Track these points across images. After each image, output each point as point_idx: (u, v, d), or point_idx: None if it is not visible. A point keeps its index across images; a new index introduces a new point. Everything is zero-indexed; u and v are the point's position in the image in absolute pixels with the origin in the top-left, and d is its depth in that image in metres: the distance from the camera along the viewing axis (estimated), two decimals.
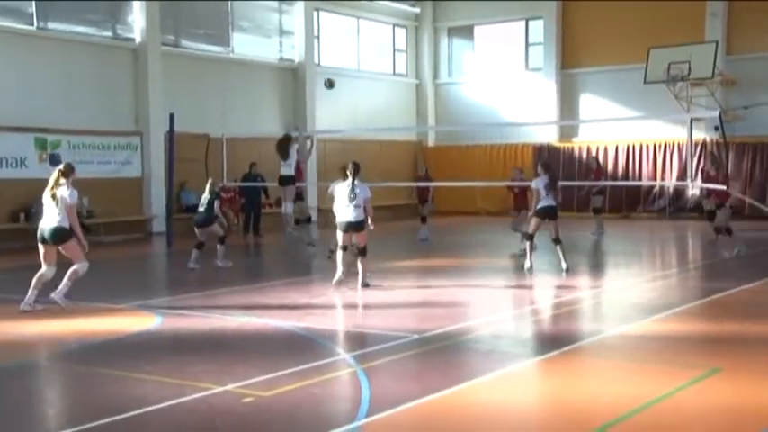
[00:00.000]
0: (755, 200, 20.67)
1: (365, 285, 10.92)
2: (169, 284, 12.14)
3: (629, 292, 10.91)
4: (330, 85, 17.05)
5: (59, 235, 9.42)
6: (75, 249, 9.58)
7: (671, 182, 22.75)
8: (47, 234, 9.43)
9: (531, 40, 26.10)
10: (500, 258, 14.42)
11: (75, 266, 9.56)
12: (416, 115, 27.39)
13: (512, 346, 7.87)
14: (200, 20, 21.34)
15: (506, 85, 26.11)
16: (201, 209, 13.37)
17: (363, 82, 25.57)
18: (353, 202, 10.84)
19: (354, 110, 24.91)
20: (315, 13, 23.93)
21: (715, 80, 21.64)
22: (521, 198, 15.25)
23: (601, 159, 24.08)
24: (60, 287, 9.54)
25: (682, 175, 22.03)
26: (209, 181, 13.80)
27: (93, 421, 5.48)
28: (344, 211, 10.96)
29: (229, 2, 21.98)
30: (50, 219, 9.45)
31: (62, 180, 9.52)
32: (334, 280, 11.07)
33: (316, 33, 24.01)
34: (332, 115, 24.08)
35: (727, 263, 14.18)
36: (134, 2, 19.69)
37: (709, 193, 14.19)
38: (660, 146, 23.40)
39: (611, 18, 24.11)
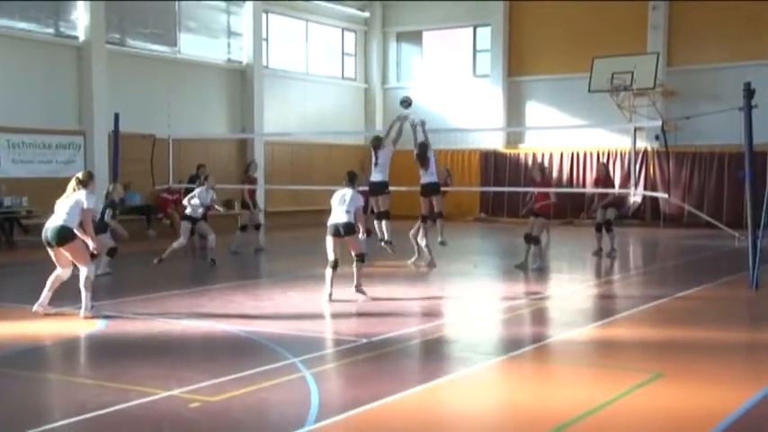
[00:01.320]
0: (694, 207, 21.19)
1: (361, 292, 10.57)
2: (112, 287, 11.90)
3: (575, 298, 11.08)
4: (406, 103, 15.38)
5: (62, 235, 8.96)
6: (78, 252, 9.07)
7: (614, 189, 23.13)
8: (49, 234, 9.03)
9: (478, 47, 26.34)
10: (450, 263, 14.49)
11: (84, 274, 9.08)
12: (365, 119, 27.42)
13: (461, 351, 7.91)
14: (146, 19, 21.01)
15: (454, 91, 26.31)
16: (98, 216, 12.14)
17: (312, 85, 25.49)
18: (344, 208, 10.50)
19: (303, 113, 24.83)
20: (263, 15, 23.78)
21: (656, 90, 22.15)
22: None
23: (546, 166, 24.44)
24: (84, 303, 9.08)
25: (624, 183, 22.48)
26: (108, 187, 13.01)
27: (31, 428, 5.33)
28: (333, 215, 10.63)
29: (176, 2, 21.68)
30: (56, 219, 9.07)
31: (79, 188, 9.23)
32: (324, 297, 10.52)
33: (264, 35, 23.86)
34: (280, 118, 23.96)
35: (666, 270, 14.50)
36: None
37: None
38: (604, 153, 23.83)
39: (557, 27, 24.50)
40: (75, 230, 9.06)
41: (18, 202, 17.63)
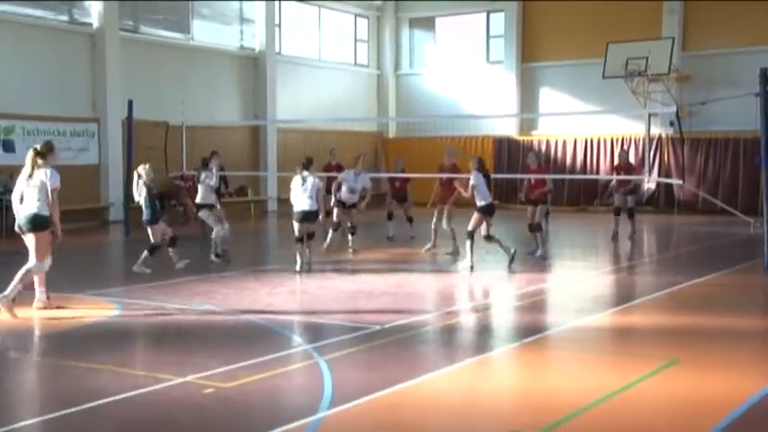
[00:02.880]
0: (709, 194, 21.06)
1: (308, 266, 11.64)
2: (127, 274, 11.96)
3: (589, 285, 11.05)
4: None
5: (35, 222, 8.63)
6: (44, 244, 8.71)
7: (632, 177, 23.02)
8: (23, 222, 8.69)
9: (492, 33, 26.20)
10: (461, 250, 14.46)
11: (29, 265, 8.64)
12: (377, 106, 27.36)
13: (473, 338, 7.92)
14: (159, 6, 21.02)
15: (467, 78, 26.20)
16: (145, 207, 11.91)
17: (325, 72, 25.45)
18: (307, 193, 11.57)
19: (315, 100, 24.80)
20: (276, 2, 23.73)
21: (671, 76, 21.97)
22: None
23: (559, 153, 24.35)
24: (9, 289, 8.55)
25: (639, 169, 22.33)
26: (137, 171, 12.22)
27: (48, 413, 5.39)
28: (298, 202, 11.67)
29: None
30: (29, 205, 8.68)
31: (39, 161, 8.68)
32: (297, 268, 11.60)
33: (277, 22, 23.82)
34: (293, 105, 23.94)
35: (680, 257, 14.44)
36: None
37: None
38: (617, 140, 23.69)
39: (571, 13, 24.31)
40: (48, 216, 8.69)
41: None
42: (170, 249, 11.99)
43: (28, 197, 8.72)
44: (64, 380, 6.27)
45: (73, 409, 5.47)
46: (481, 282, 11.44)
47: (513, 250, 12.16)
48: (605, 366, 6.77)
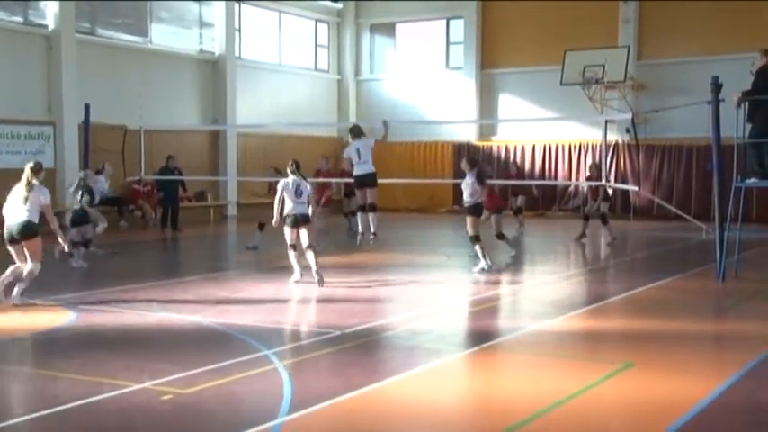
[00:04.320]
0: (663, 200, 21.44)
1: (320, 284, 10.87)
2: (84, 279, 11.80)
3: (546, 289, 11.18)
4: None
5: (27, 229, 9.30)
6: (37, 248, 9.40)
7: (585, 181, 23.36)
8: (15, 231, 9.28)
9: (451, 39, 26.39)
10: (420, 255, 14.56)
11: (30, 267, 9.34)
12: (338, 111, 27.36)
13: (433, 343, 7.96)
14: (117, 8, 20.79)
15: (427, 83, 26.34)
16: (76, 207, 12.69)
17: (285, 76, 25.39)
18: (299, 198, 11.21)
19: (276, 104, 24.72)
20: (236, 6, 23.63)
21: (627, 84, 22.35)
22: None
23: (519, 159, 24.61)
24: (16, 291, 9.35)
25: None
26: (79, 176, 13.11)
27: (2, 421, 5.29)
28: (292, 206, 11.18)
29: None
30: (18, 215, 9.30)
31: (34, 180, 9.46)
32: (292, 279, 11.15)
33: (237, 26, 23.71)
34: (253, 109, 23.84)
35: (635, 262, 14.69)
36: None
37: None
38: (575, 146, 24.02)
39: (530, 20, 24.61)
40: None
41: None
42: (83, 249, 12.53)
43: (18, 208, 9.33)
44: (19, 387, 6.17)
45: (28, 417, 5.39)
46: (440, 286, 11.50)
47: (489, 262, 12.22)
48: (562, 370, 6.86)
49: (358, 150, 12.93)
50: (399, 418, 5.58)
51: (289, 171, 11.39)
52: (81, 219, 12.68)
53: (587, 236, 16.80)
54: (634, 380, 6.44)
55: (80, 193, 12.69)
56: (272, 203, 11.62)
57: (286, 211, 11.24)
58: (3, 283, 9.44)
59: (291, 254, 11.28)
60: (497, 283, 11.68)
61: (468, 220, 12.26)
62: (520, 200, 19.16)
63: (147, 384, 6.11)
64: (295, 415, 5.47)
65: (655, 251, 16.03)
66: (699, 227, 18.07)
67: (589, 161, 23.63)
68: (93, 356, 7.37)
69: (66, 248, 10.54)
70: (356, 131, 13.31)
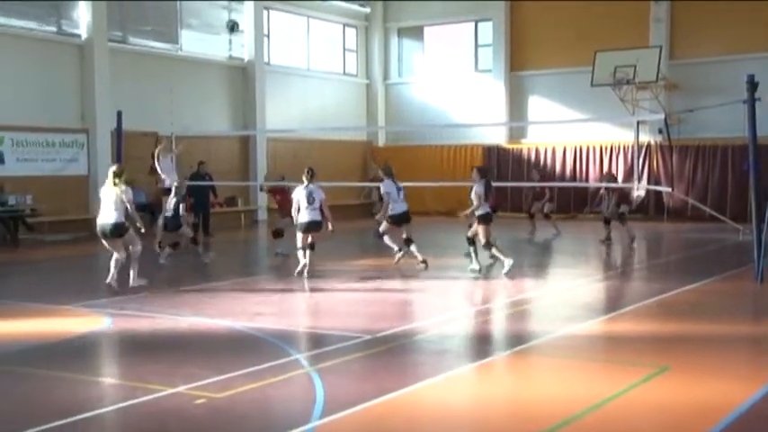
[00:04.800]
0: (698, 201, 21.15)
1: (305, 275, 11.80)
2: (117, 284, 11.91)
3: (579, 292, 11.07)
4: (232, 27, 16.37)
5: (118, 230, 10.75)
6: (129, 239, 10.89)
7: (617, 183, 23.13)
8: (107, 231, 10.72)
9: (480, 42, 26.31)
10: (451, 258, 14.50)
11: (133, 250, 10.90)
12: (366, 115, 27.39)
13: (464, 346, 7.92)
14: (147, 16, 21.02)
15: (456, 86, 26.28)
16: (168, 214, 13.42)
17: (313, 81, 25.48)
18: (313, 205, 11.78)
19: (304, 109, 24.82)
20: (264, 12, 23.77)
21: (659, 84, 22.10)
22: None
23: (549, 161, 24.46)
24: (132, 274, 10.86)
25: (627, 177, 22.44)
26: (175, 184, 13.78)
27: (38, 425, 5.34)
28: (304, 213, 11.81)
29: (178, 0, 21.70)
30: (108, 215, 10.70)
31: (116, 180, 10.72)
32: (297, 270, 11.91)
33: (265, 32, 23.85)
34: (282, 114, 23.95)
35: (670, 264, 14.50)
36: None
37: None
38: (606, 148, 23.81)
39: (559, 21, 24.44)
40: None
41: (22, 200, 17.67)
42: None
43: (107, 208, 10.73)
44: (54, 392, 6.23)
45: (63, 422, 5.43)
46: (472, 290, 11.44)
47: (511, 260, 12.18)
48: (596, 374, 6.78)
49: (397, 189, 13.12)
50: (430, 423, 5.55)
51: (304, 178, 11.91)
52: (175, 223, 13.36)
53: (611, 239, 16.64)
54: (670, 384, 6.34)
55: (174, 202, 13.37)
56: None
57: (299, 219, 11.83)
58: (113, 278, 10.72)
59: (300, 253, 11.93)
60: (528, 286, 11.59)
61: (480, 229, 12.24)
62: (546, 206, 18.91)
63: (181, 389, 6.14)
64: (327, 419, 5.46)
65: (690, 253, 15.81)
66: (735, 228, 17.79)
67: (621, 162, 23.47)
68: (127, 361, 7.44)
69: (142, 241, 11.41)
70: (388, 171, 13.31)
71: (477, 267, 12.41)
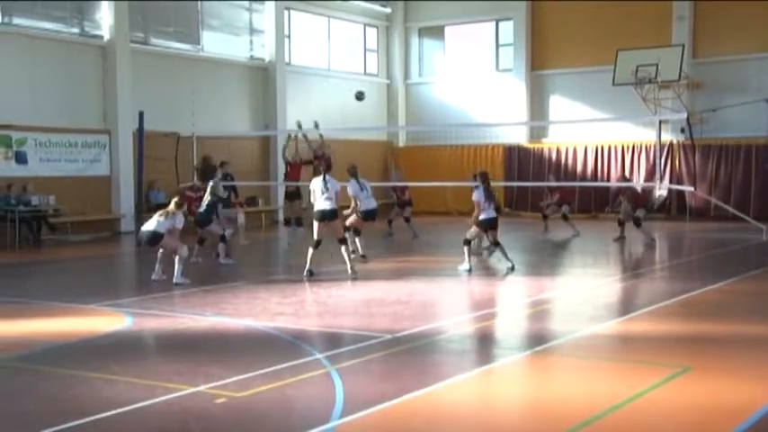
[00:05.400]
0: (721, 201, 20.97)
1: (354, 273, 11.98)
2: (139, 284, 12.01)
3: (600, 292, 11.00)
4: (360, 96, 17.54)
5: (155, 238, 11.58)
6: (169, 243, 11.59)
7: (639, 183, 22.99)
8: (144, 238, 11.72)
9: (501, 41, 26.24)
10: (473, 259, 14.43)
11: (179, 253, 11.55)
12: (387, 115, 27.40)
13: (485, 346, 7.89)
14: (169, 18, 21.16)
15: (477, 86, 26.22)
16: (202, 209, 13.72)
17: (334, 81, 25.52)
18: (326, 194, 11.98)
19: (325, 109, 24.84)
20: (285, 12, 23.85)
21: (681, 83, 21.93)
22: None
23: (570, 160, 24.35)
24: (176, 271, 11.45)
25: (649, 176, 22.29)
26: (211, 184, 13.87)
27: (61, 424, 5.39)
28: (319, 201, 12.02)
29: (199, 0, 21.81)
30: (150, 224, 11.70)
31: (175, 209, 11.75)
32: (305, 271, 12.00)
33: (286, 32, 23.92)
34: (302, 115, 23.92)
35: (693, 264, 14.38)
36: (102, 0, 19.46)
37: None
38: (628, 147, 23.66)
39: (581, 20, 24.33)
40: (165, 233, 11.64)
41: (45, 200, 17.85)
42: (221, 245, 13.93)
43: (153, 220, 11.77)
44: (76, 390, 6.28)
45: (85, 420, 5.48)
46: (492, 289, 11.42)
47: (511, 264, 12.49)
48: (617, 374, 6.73)
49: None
50: (451, 423, 5.53)
51: (321, 169, 12.50)
52: (203, 220, 13.73)
53: (625, 237, 16.70)
54: (692, 384, 6.29)
55: (208, 200, 13.76)
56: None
57: (315, 207, 12.05)
58: (158, 273, 11.70)
59: (311, 251, 12.01)
60: (549, 286, 11.55)
61: (473, 228, 12.65)
62: (564, 208, 18.75)
63: (202, 388, 6.17)
64: (347, 419, 5.47)
65: (712, 253, 15.67)
66: (758, 227, 17.60)
67: (643, 161, 23.31)
68: (149, 360, 7.49)
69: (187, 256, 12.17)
70: (353, 172, 13.63)
71: (510, 265, 12.55)
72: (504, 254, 12.63)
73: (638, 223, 16.42)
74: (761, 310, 9.76)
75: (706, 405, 5.78)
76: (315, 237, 12.13)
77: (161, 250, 11.81)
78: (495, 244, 12.80)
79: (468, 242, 12.67)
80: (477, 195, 12.48)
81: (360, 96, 17.55)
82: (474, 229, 12.71)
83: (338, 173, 13.84)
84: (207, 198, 13.75)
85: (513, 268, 12.46)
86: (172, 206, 11.87)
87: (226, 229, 14.20)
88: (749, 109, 16.41)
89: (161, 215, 11.74)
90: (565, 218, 18.74)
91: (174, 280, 11.42)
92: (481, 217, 12.47)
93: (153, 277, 11.74)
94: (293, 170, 17.22)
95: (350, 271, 12.00)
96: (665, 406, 5.79)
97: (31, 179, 17.88)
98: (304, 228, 15.28)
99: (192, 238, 13.69)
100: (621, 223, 16.80)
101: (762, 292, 10.90)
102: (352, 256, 12.84)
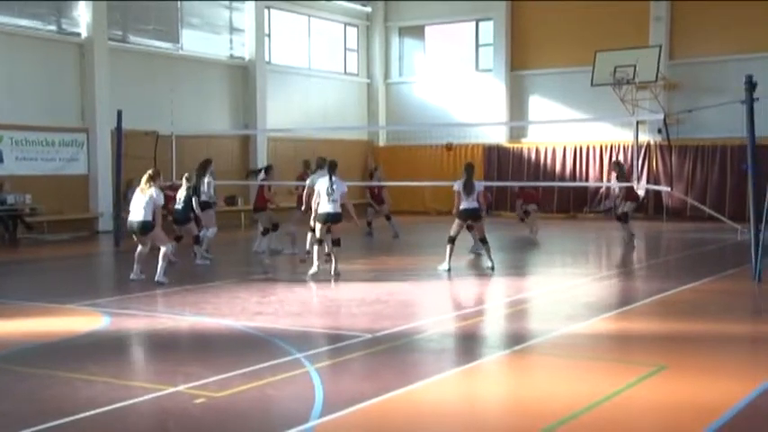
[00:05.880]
0: (697, 201, 21.18)
1: (337, 275, 11.80)
2: (117, 284, 11.95)
3: (578, 291, 11.09)
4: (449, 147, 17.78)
5: (146, 228, 11.37)
6: (159, 237, 11.45)
7: (616, 183, 23.16)
8: (135, 228, 11.44)
9: (481, 41, 26.34)
10: (455, 259, 14.50)
11: (162, 250, 11.37)
12: (367, 114, 27.42)
13: (464, 345, 7.94)
14: (148, 16, 21.04)
15: (457, 86, 26.31)
16: (179, 206, 13.51)
17: (315, 80, 25.51)
18: (332, 196, 11.78)
19: (306, 109, 24.85)
20: (266, 11, 23.79)
21: (659, 84, 22.13)
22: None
23: (549, 160, 24.50)
24: (159, 270, 11.26)
25: (628, 176, 22.43)
26: (185, 176, 13.72)
27: (38, 425, 5.36)
28: (324, 204, 11.84)
29: None
30: (137, 214, 11.37)
31: (150, 183, 11.34)
32: (310, 273, 11.87)
33: (266, 31, 23.87)
34: (283, 114, 23.98)
35: (669, 263, 14.53)
36: None
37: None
38: (606, 147, 23.84)
39: (560, 20, 24.48)
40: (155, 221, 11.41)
41: (21, 199, 17.70)
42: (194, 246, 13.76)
43: (136, 207, 11.37)
44: (54, 391, 6.25)
45: (63, 421, 5.45)
46: (472, 289, 11.47)
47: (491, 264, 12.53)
48: (595, 373, 6.80)
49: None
50: (430, 422, 5.57)
51: (326, 170, 12.06)
52: (183, 218, 13.49)
53: (635, 234, 16.55)
54: (667, 383, 6.37)
55: (185, 196, 13.52)
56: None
57: (319, 210, 11.83)
58: (137, 273, 11.52)
59: (316, 248, 11.92)
60: (528, 285, 11.62)
61: (455, 223, 12.66)
62: (531, 207, 18.41)
63: (181, 388, 6.16)
64: (327, 418, 5.49)
65: (688, 252, 15.83)
66: (733, 228, 17.81)
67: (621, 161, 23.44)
68: (127, 360, 7.46)
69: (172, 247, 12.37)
70: (320, 164, 13.76)
71: (489, 265, 12.57)
72: (488, 253, 12.64)
73: (626, 218, 16.32)
74: (735, 309, 9.89)
75: (682, 403, 5.85)
76: (317, 236, 12.02)
77: (139, 248, 11.61)
78: (483, 241, 12.75)
79: (452, 240, 12.61)
80: (456, 186, 12.54)
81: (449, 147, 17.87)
82: (455, 223, 12.63)
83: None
84: (182, 193, 13.50)
85: (492, 268, 12.51)
86: (144, 183, 11.46)
87: (210, 229, 14.06)
88: (725, 110, 16.57)
89: (139, 195, 11.42)
90: (522, 218, 18.40)
91: (157, 278, 11.30)
92: (461, 207, 12.47)
93: (132, 277, 11.62)
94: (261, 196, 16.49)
95: (333, 272, 11.91)
96: (641, 404, 5.86)
97: (7, 178, 17.73)
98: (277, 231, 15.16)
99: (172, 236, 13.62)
100: (621, 219, 16.63)
101: (736, 291, 11.04)
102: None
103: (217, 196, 15.01)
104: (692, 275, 12.03)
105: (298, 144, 23.87)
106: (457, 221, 12.69)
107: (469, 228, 13.27)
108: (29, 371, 6.92)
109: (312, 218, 12.33)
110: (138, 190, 11.58)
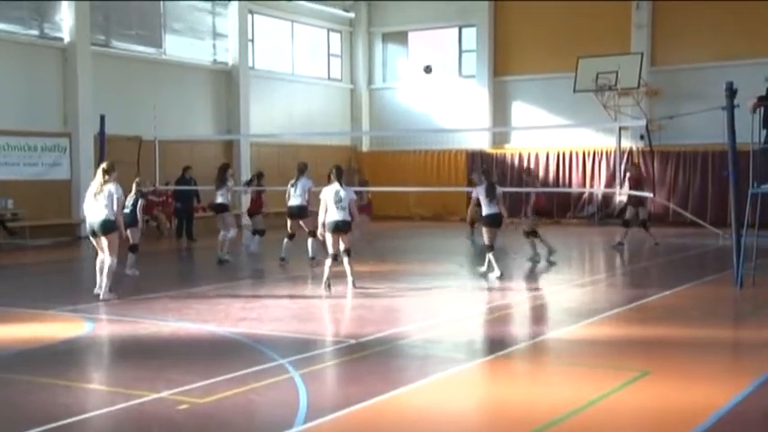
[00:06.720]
0: (679, 206, 21.32)
1: (354, 284, 11.31)
2: (108, 292, 11.84)
3: (562, 297, 11.14)
4: (428, 70, 18.06)
5: (107, 226, 10.39)
6: (113, 244, 10.48)
7: (599, 189, 23.32)
8: (96, 227, 10.41)
9: (464, 48, 26.42)
10: (435, 263, 14.54)
11: (108, 262, 10.39)
12: (351, 120, 27.42)
13: (448, 351, 7.94)
14: (131, 20, 20.96)
15: (440, 92, 26.36)
16: (126, 210, 12.71)
17: (298, 86, 25.48)
18: (341, 204, 11.26)
19: (289, 114, 24.81)
20: (249, 16, 23.76)
21: (640, 90, 22.29)
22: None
23: (532, 166, 24.59)
24: (103, 287, 10.40)
25: (610, 182, 22.60)
26: (136, 180, 13.34)
27: (22, 431, 5.32)
28: (332, 213, 11.26)
29: (161, 3, 21.64)
30: (98, 213, 10.39)
31: (107, 177, 10.43)
32: (324, 286, 11.20)
33: (250, 36, 23.84)
34: (266, 119, 23.93)
35: (651, 269, 14.62)
36: (62, 1, 19.21)
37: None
38: (589, 153, 23.96)
39: (543, 27, 24.60)
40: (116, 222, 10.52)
41: (3, 204, 17.56)
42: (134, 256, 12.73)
43: (95, 207, 10.42)
44: (35, 397, 6.20)
45: (43, 428, 5.41)
46: (455, 295, 11.48)
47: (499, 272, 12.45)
48: (578, 378, 6.83)
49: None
50: (414, 427, 5.57)
51: (333, 178, 11.50)
52: (129, 222, 12.42)
53: (656, 238, 16.85)
54: (650, 388, 6.40)
55: (133, 199, 12.84)
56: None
57: (328, 218, 11.27)
58: (100, 287, 10.48)
59: (329, 262, 11.26)
60: (512, 291, 11.65)
61: (484, 231, 12.56)
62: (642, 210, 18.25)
63: (164, 394, 6.13)
64: (311, 424, 5.48)
65: (671, 258, 15.93)
66: (715, 233, 17.94)
67: (604, 167, 23.60)
68: (109, 366, 7.42)
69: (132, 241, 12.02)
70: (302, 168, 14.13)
71: (484, 269, 12.61)
72: (491, 260, 12.55)
73: (645, 225, 16.67)
74: (717, 313, 9.96)
75: (664, 408, 5.89)
76: (331, 251, 11.29)
77: (99, 257, 10.67)
78: (490, 248, 12.58)
79: (490, 248, 12.50)
80: (475, 192, 12.68)
81: (428, 70, 17.67)
82: (485, 231, 12.56)
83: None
84: (131, 197, 12.68)
85: (485, 274, 12.45)
86: (99, 177, 10.52)
87: (231, 230, 14.26)
88: (707, 116, 16.68)
89: (97, 194, 10.44)
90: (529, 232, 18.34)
91: (102, 296, 10.41)
92: (484, 212, 12.43)
93: (95, 291, 10.64)
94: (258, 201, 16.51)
95: (352, 284, 11.30)
96: (624, 409, 5.89)
97: None
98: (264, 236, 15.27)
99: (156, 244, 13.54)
100: (627, 224, 16.84)
101: (718, 296, 11.12)
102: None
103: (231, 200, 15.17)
104: (674, 281, 12.11)
105: (281, 149, 23.82)
106: (485, 229, 12.55)
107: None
108: (8, 377, 6.86)
109: (321, 225, 11.44)
110: (91, 190, 10.56)
